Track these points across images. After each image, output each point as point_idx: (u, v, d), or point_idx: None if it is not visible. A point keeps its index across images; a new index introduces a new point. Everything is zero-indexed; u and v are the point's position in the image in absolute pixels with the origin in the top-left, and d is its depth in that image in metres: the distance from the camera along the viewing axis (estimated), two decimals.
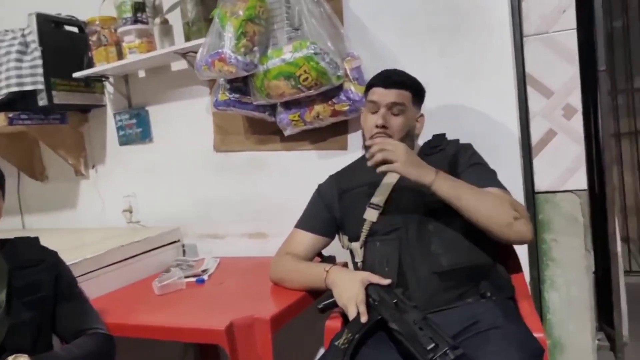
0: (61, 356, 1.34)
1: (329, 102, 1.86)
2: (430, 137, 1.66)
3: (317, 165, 2.06)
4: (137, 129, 2.39)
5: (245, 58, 1.79)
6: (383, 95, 1.53)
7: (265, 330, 1.45)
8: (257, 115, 2.02)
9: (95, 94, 2.41)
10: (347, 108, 1.85)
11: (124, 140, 2.45)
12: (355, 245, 1.57)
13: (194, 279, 1.91)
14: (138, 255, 2.05)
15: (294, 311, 1.59)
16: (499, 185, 1.47)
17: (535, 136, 1.73)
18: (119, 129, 2.45)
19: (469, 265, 1.42)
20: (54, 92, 2.18)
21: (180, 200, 2.36)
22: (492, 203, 1.38)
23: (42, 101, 2.17)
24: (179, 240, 2.28)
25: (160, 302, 1.73)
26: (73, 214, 2.65)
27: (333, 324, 1.47)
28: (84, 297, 1.54)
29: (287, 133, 1.98)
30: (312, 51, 1.72)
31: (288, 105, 1.93)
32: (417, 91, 1.59)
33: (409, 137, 1.55)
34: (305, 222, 1.69)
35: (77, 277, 1.78)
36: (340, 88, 1.84)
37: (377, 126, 1.50)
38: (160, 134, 2.39)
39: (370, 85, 1.61)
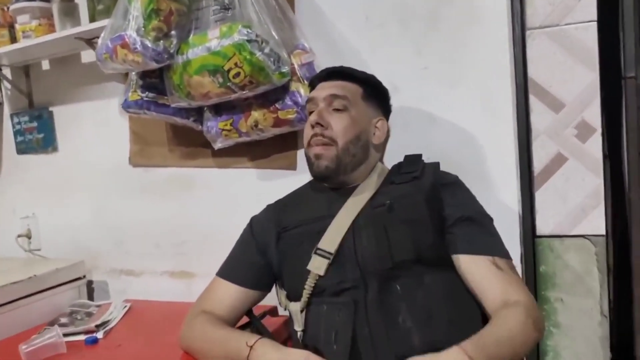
0: None
1: (271, 108, 1.42)
2: (402, 160, 1.25)
3: (259, 188, 1.62)
4: (39, 135, 1.91)
5: (157, 45, 1.33)
6: (322, 88, 1.20)
7: None
8: (179, 122, 1.56)
9: None
10: (294, 116, 1.41)
11: (23, 148, 1.96)
12: (295, 308, 1.16)
13: (83, 337, 1.43)
14: (16, 300, 1.56)
15: None
16: (501, 252, 1.10)
17: (538, 162, 1.31)
18: (16, 133, 1.96)
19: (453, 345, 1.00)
20: None
21: (90, 225, 1.88)
22: (520, 339, 0.99)
23: None
24: (83, 277, 1.80)
25: None
26: None
27: None
28: None
29: (217, 146, 1.53)
30: (245, 37, 1.27)
31: (217, 109, 1.48)
32: (370, 86, 1.23)
33: (360, 145, 1.17)
34: (230, 270, 1.25)
35: None
36: (285, 89, 1.40)
37: (312, 126, 1.16)
38: (66, 142, 1.91)
39: (311, 83, 1.27)
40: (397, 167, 1.24)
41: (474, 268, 1.08)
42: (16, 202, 2.00)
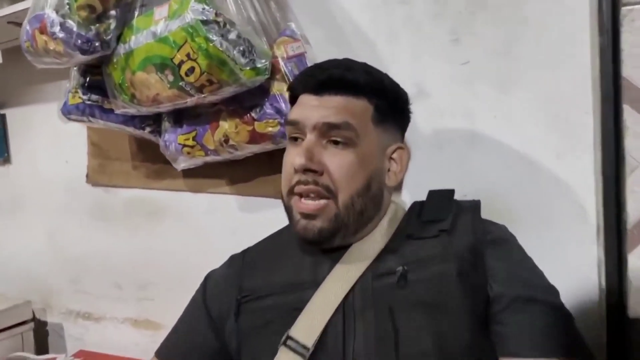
0: None
1: (245, 117, 1.02)
2: (424, 196, 0.85)
3: (238, 222, 1.25)
4: None
5: (86, 29, 0.96)
6: (311, 107, 0.75)
7: None
8: (132, 133, 1.19)
9: None
10: (276, 129, 1.00)
11: None
12: None
13: None
14: None
15: None
16: (583, 352, 0.70)
17: (635, 209, 0.86)
18: None
19: None
20: None
21: (44, 255, 1.53)
22: None
23: None
24: (30, 321, 1.46)
25: None
26: None
27: None
28: None
29: (179, 166, 1.14)
30: (199, 17, 0.88)
31: (178, 118, 1.10)
32: (386, 98, 0.78)
33: (372, 196, 0.76)
34: (172, 349, 0.88)
35: None
36: (263, 92, 1.00)
37: (296, 170, 0.74)
38: (20, 152, 1.57)
39: (292, 90, 0.83)
40: (418, 210, 0.82)
41: None
42: None
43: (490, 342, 0.70)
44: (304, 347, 0.72)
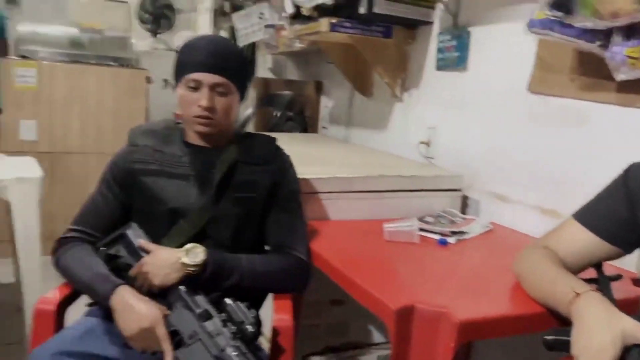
0: (242, 262, 1.26)
1: None
2: None
3: None
4: (455, 53, 2.05)
5: None
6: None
7: (450, 335, 1.04)
8: (583, 47, 1.40)
9: (423, 8, 2.15)
10: None
11: (441, 65, 2.14)
12: None
13: (437, 237, 1.56)
14: (395, 191, 1.80)
15: (512, 326, 1.11)
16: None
17: None
18: (439, 51, 2.15)
19: None
20: (374, 0, 2.03)
21: (477, 145, 1.95)
22: None
23: (363, 9, 2.05)
24: (459, 190, 1.92)
25: (375, 248, 1.48)
26: (383, 135, 2.55)
27: None
28: (298, 214, 1.41)
29: (618, 77, 1.31)
30: None
31: (629, 31, 1.26)
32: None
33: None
34: (587, 214, 1.15)
35: (319, 193, 1.69)
36: None
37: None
38: (475, 62, 1.98)
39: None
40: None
41: None
42: (425, 112, 2.24)
43: None
44: None
